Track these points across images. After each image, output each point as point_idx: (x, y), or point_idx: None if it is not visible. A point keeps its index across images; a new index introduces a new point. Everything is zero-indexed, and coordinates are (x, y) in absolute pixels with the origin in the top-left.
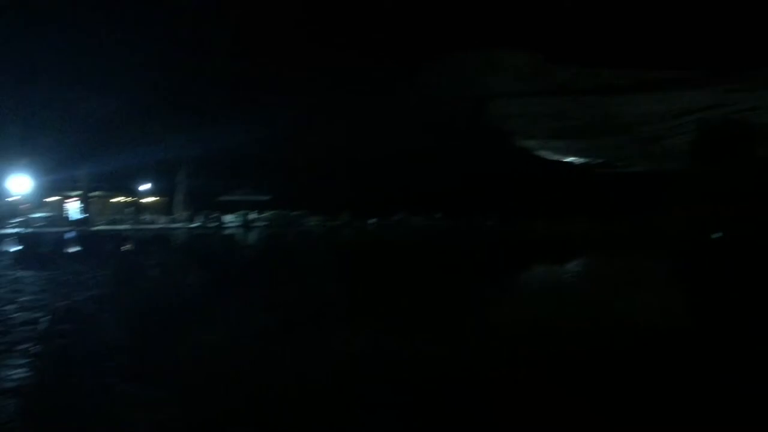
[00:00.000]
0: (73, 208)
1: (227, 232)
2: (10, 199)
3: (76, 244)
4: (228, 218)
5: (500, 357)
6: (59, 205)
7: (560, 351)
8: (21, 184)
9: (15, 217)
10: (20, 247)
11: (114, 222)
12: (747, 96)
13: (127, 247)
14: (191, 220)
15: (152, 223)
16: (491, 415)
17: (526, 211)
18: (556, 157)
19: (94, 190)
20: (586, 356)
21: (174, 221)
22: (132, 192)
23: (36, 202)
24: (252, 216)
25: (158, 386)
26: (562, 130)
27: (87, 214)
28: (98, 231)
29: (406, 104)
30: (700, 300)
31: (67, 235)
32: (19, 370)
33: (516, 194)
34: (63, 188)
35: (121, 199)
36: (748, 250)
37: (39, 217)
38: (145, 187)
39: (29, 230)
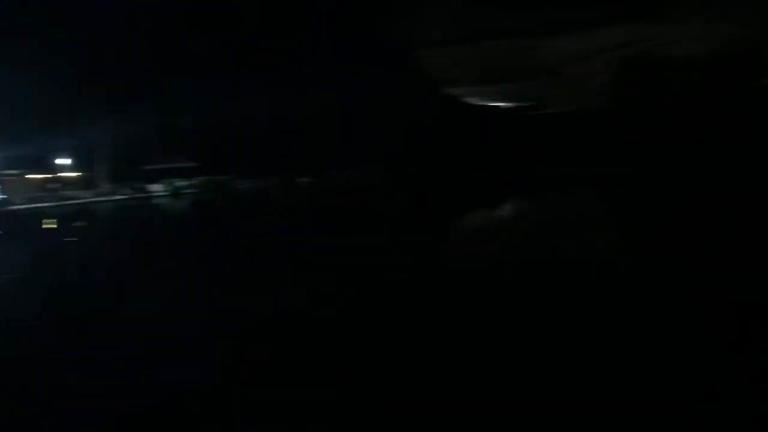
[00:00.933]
0: None
1: (154, 201)
2: None
3: None
4: (155, 187)
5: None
6: None
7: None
8: None
9: None
10: None
11: (34, 200)
12: (664, 30)
13: (49, 224)
14: (115, 192)
15: (75, 198)
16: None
17: (457, 158)
18: (483, 103)
19: (10, 169)
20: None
21: (98, 194)
22: (51, 168)
23: None
24: (180, 183)
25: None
26: (489, 75)
27: (5, 196)
28: (18, 210)
29: (331, 62)
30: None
31: None
32: None
33: (446, 142)
34: None
35: (40, 176)
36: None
37: None
38: (65, 162)
39: None
